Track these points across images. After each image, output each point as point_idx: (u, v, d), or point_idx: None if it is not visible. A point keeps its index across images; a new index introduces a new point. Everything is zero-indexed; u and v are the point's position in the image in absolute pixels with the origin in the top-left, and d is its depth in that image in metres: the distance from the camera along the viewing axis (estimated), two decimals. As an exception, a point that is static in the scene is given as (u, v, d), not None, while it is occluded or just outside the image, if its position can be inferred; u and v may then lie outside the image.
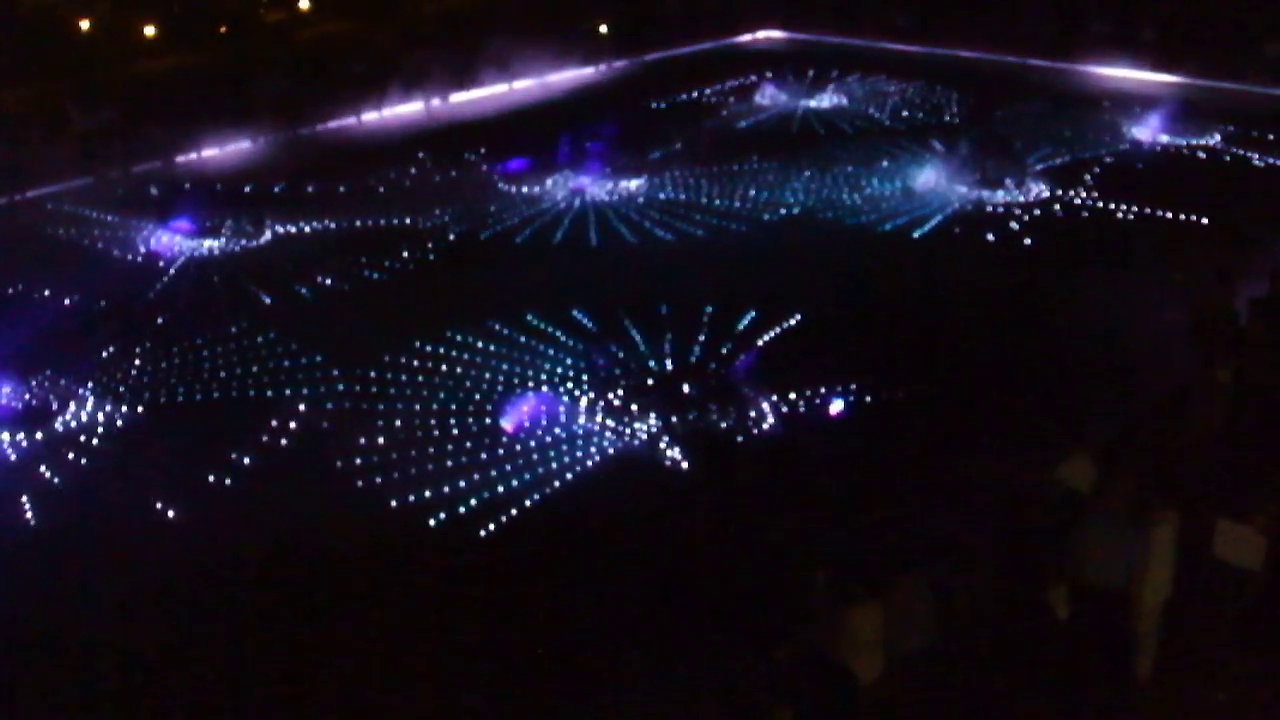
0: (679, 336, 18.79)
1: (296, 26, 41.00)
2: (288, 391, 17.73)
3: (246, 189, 26.36)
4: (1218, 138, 28.57)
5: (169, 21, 38.94)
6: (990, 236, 23.25)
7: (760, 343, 18.58)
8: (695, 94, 34.12)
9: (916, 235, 23.41)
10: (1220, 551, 11.78)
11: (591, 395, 17.06)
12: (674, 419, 16.14)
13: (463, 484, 15.12)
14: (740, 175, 26.91)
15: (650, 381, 17.05)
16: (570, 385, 17.50)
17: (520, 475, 15.33)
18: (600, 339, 18.86)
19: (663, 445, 15.86)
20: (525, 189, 26.21)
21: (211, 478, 15.59)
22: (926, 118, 31.47)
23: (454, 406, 17.16)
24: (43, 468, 15.98)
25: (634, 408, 16.49)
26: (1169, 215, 23.73)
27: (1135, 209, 24.08)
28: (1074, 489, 11.83)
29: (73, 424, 16.98)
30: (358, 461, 15.81)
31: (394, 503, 14.83)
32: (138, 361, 18.67)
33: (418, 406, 17.20)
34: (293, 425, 16.77)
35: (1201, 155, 27.64)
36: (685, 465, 15.52)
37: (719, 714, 10.87)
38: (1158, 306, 19.43)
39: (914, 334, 19.06)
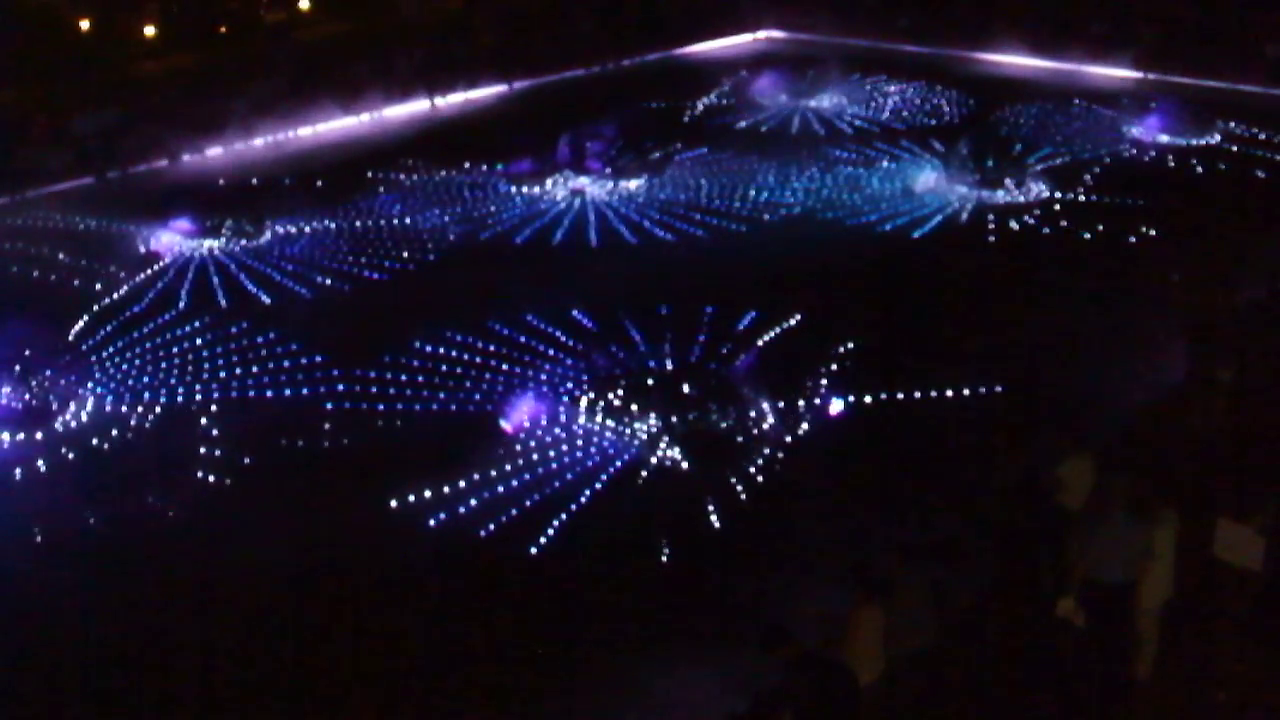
0: (679, 336, 18.79)
1: (296, 26, 40.99)
2: (288, 391, 17.74)
3: (247, 189, 26.34)
4: (1218, 138, 28.58)
5: (169, 21, 38.93)
6: (990, 236, 23.26)
7: (760, 343, 18.60)
8: (694, 94, 34.11)
9: (916, 235, 23.42)
10: (1220, 551, 11.79)
11: (591, 395, 17.05)
12: (674, 419, 16.13)
13: (463, 484, 15.12)
14: (740, 175, 26.91)
15: (650, 381, 17.04)
16: (570, 385, 17.50)
17: (520, 475, 15.33)
18: (600, 339, 18.86)
19: (663, 445, 15.86)
20: (525, 189, 26.21)
21: (211, 478, 15.61)
22: (926, 118, 31.47)
23: (454, 406, 17.17)
24: (42, 468, 15.99)
25: (634, 408, 16.49)
26: (1168, 215, 23.72)
27: (1134, 209, 24.07)
28: (1062, 505, 11.88)
29: (73, 424, 16.99)
30: (357, 462, 15.82)
31: (394, 503, 14.84)
32: (137, 362, 18.68)
33: (418, 406, 17.21)
34: (293, 425, 16.77)
35: (1201, 155, 27.63)
36: (685, 465, 15.53)
37: (720, 714, 10.89)
38: (1160, 306, 19.48)
39: (914, 334, 19.06)
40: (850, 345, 18.26)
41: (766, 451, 15.66)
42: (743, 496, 14.70)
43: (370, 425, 16.80)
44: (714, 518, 14.24)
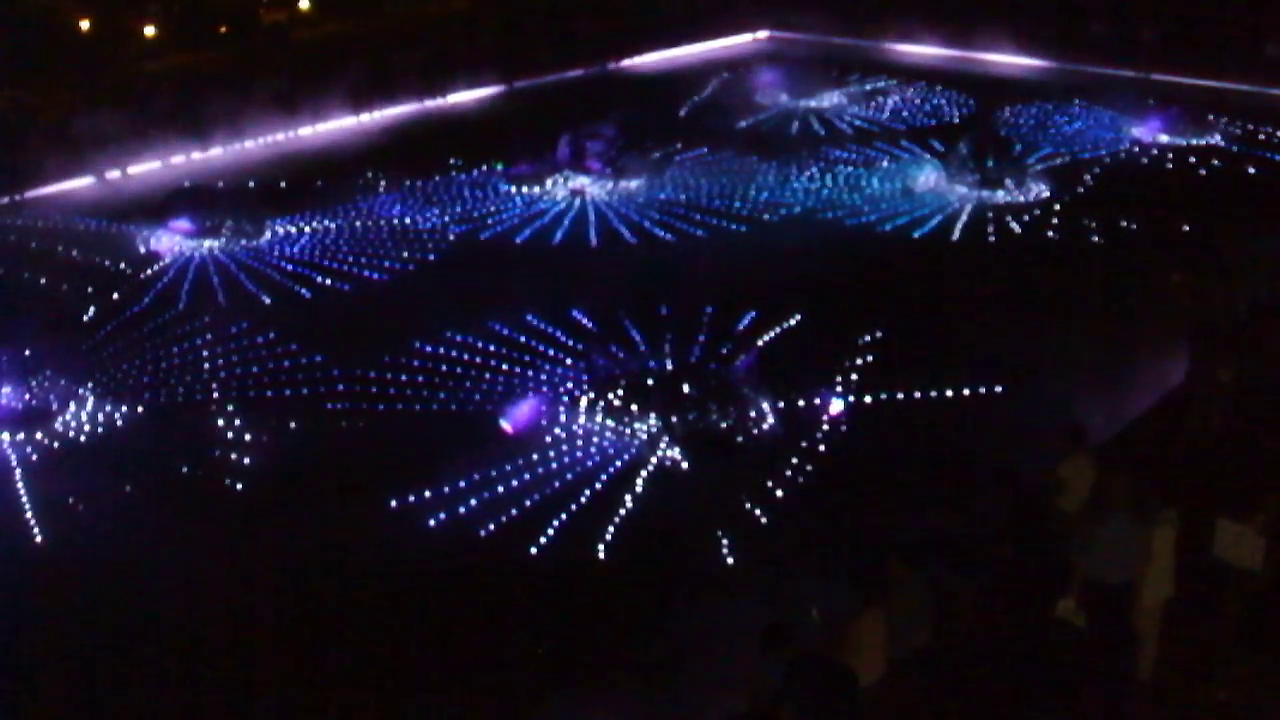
0: (679, 336, 18.79)
1: (296, 26, 40.98)
2: (288, 391, 17.73)
3: (247, 188, 26.41)
4: (1218, 138, 28.58)
5: (169, 21, 38.93)
6: (990, 236, 23.26)
7: (760, 343, 18.60)
8: (694, 94, 34.15)
9: (916, 235, 23.42)
10: (1220, 551, 11.79)
11: (591, 395, 17.05)
12: (674, 419, 16.13)
13: (463, 484, 15.12)
14: (740, 175, 26.90)
15: (650, 381, 17.04)
16: (570, 385, 17.50)
17: (520, 475, 15.33)
18: (600, 339, 18.86)
19: (663, 445, 15.86)
20: (525, 189, 26.21)
21: (212, 478, 15.61)
22: (927, 118, 31.46)
23: (454, 407, 17.17)
24: (43, 468, 15.98)
25: (634, 408, 16.49)
26: (1168, 215, 23.74)
27: (1135, 209, 24.07)
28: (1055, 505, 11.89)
29: (72, 424, 16.99)
30: (358, 461, 15.82)
31: (394, 503, 14.84)
32: (137, 362, 18.67)
33: (418, 406, 17.21)
34: (293, 425, 16.78)
35: (1202, 155, 27.64)
36: (685, 465, 15.54)
37: (720, 713, 10.89)
38: (1160, 306, 19.48)
39: (914, 334, 19.05)
40: (851, 345, 18.30)
41: (768, 456, 15.67)
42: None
43: (370, 425, 16.80)
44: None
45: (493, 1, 40.89)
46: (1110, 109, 30.86)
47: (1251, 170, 26.72)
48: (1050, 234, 23.26)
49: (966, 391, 17.15)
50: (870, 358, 18.03)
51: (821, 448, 15.86)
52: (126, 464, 15.92)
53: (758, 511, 14.47)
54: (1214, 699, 11.33)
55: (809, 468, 15.35)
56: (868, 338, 18.55)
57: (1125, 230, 23.15)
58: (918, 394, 17.15)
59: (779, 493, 14.85)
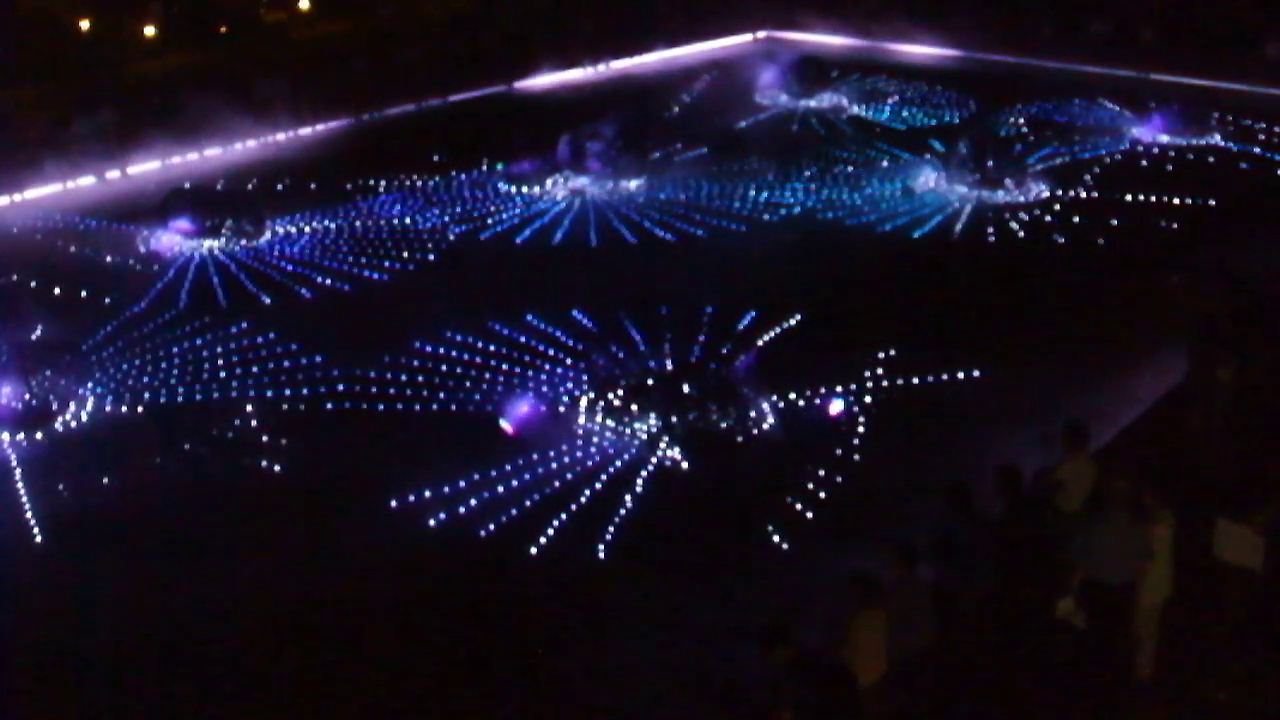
0: (679, 336, 18.79)
1: (296, 26, 40.98)
2: (288, 392, 17.74)
3: (247, 189, 26.40)
4: (1217, 138, 28.58)
5: (169, 21, 38.92)
6: (990, 236, 23.26)
7: (760, 343, 18.60)
8: (692, 94, 34.16)
9: (916, 235, 23.42)
10: (1220, 551, 11.80)
11: (591, 395, 17.05)
12: (674, 419, 16.13)
13: (463, 484, 15.12)
14: (740, 175, 26.90)
15: (650, 381, 17.04)
16: (570, 385, 17.50)
17: (520, 475, 15.33)
18: (600, 339, 18.86)
19: (663, 445, 15.86)
20: (525, 189, 26.22)
21: (211, 478, 15.59)
22: (926, 118, 31.46)
23: (453, 407, 17.17)
24: (43, 468, 15.97)
25: (634, 408, 16.48)
26: (1168, 215, 23.75)
27: (1134, 209, 24.08)
28: (1062, 509, 11.92)
29: (72, 424, 16.98)
30: (358, 461, 15.82)
31: (394, 503, 14.84)
32: (137, 362, 18.67)
33: (417, 406, 17.21)
34: (292, 426, 16.77)
35: (1201, 155, 27.64)
36: (685, 465, 15.54)
37: (720, 713, 10.91)
38: (1158, 306, 19.50)
39: (913, 334, 19.05)
40: (851, 345, 18.31)
41: (767, 456, 15.67)
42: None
43: (370, 425, 16.80)
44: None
45: (493, 2, 40.92)
46: (1110, 109, 30.87)
47: (1250, 170, 26.69)
48: (1050, 234, 23.26)
49: (966, 391, 17.14)
50: (870, 357, 18.03)
51: (821, 447, 15.87)
52: (125, 464, 15.91)
53: (757, 511, 14.48)
54: (1214, 699, 11.34)
55: (809, 467, 15.35)
56: (867, 338, 18.57)
57: (1124, 230, 23.14)
58: (917, 393, 17.15)
59: (779, 492, 14.86)
